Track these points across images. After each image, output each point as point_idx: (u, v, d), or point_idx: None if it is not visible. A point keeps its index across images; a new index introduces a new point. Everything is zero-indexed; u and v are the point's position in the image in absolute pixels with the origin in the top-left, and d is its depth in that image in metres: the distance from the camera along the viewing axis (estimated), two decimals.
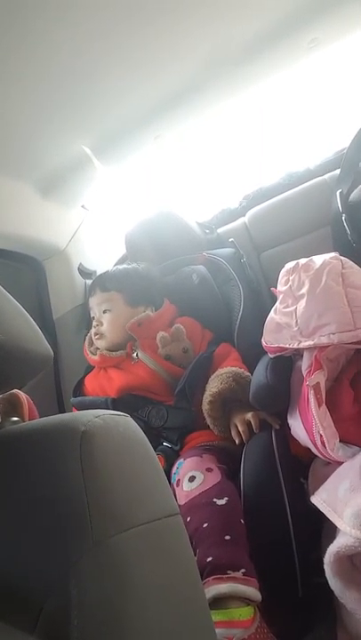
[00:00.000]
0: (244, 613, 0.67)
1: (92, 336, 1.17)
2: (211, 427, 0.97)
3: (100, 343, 1.15)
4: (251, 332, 1.01)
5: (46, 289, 1.42)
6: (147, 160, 1.36)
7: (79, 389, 1.18)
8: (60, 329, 1.42)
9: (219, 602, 0.67)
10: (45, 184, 1.22)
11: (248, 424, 0.91)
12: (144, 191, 1.63)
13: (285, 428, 0.85)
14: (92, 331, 1.17)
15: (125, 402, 1.05)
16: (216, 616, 0.65)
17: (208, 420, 0.97)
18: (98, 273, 1.48)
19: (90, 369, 1.21)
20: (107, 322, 1.15)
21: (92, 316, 1.20)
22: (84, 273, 1.45)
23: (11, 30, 0.78)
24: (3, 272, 1.32)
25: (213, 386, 0.97)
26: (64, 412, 1.38)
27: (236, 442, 0.91)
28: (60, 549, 0.40)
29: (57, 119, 1.02)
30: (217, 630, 0.63)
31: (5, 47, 0.80)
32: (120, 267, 1.24)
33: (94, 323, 1.17)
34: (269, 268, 1.26)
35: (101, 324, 1.15)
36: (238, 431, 0.91)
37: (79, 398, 1.14)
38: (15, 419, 0.59)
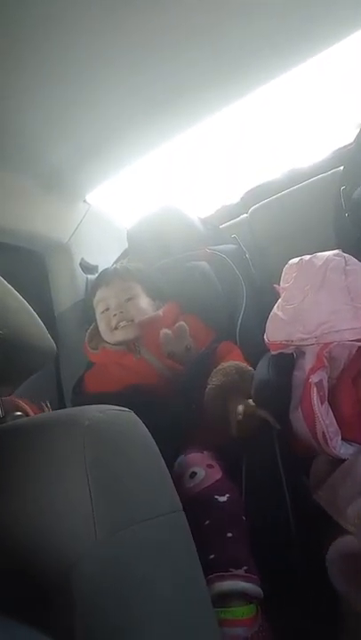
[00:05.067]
0: (247, 612, 0.67)
1: (112, 326, 1.12)
2: (211, 419, 0.95)
3: (123, 332, 1.11)
4: (253, 329, 1.00)
5: (48, 283, 1.42)
6: (149, 157, 1.35)
7: (79, 387, 1.17)
8: (62, 324, 1.41)
9: (221, 599, 0.67)
10: (48, 178, 1.21)
11: (244, 414, 0.88)
12: (147, 186, 1.62)
13: (287, 426, 0.85)
14: (114, 320, 1.11)
15: (126, 399, 1.04)
16: (219, 615, 0.65)
17: (209, 412, 0.95)
18: (100, 268, 1.48)
19: (90, 366, 1.20)
20: (134, 309, 1.11)
21: (104, 308, 1.15)
22: (86, 268, 1.45)
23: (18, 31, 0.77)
24: (5, 266, 1.31)
25: (216, 379, 0.96)
26: (64, 407, 1.38)
27: (234, 432, 0.89)
28: (64, 544, 0.40)
29: (60, 115, 1.01)
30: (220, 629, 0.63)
31: (10, 44, 0.80)
32: (125, 263, 1.24)
33: (114, 312, 1.12)
34: (272, 265, 1.25)
35: (127, 312, 1.11)
36: (237, 422, 0.88)
37: (80, 398, 1.13)
38: (18, 413, 0.59)
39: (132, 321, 1.10)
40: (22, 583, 0.39)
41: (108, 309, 1.14)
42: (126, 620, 0.37)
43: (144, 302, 1.13)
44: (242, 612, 0.66)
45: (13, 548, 0.41)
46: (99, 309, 1.16)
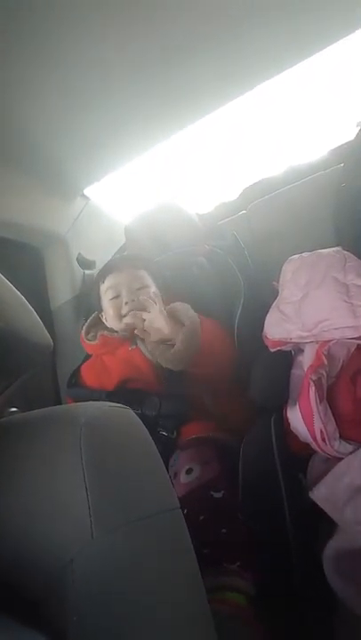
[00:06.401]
0: (239, 598, 0.67)
1: (123, 313, 1.09)
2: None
3: (132, 319, 1.07)
4: (251, 326, 1.00)
5: (44, 278, 1.41)
6: (148, 153, 1.34)
7: (75, 379, 1.15)
8: (58, 319, 1.40)
9: (213, 593, 0.66)
10: (46, 172, 1.20)
11: None
12: (145, 182, 1.61)
13: (284, 423, 0.84)
14: (125, 308, 1.08)
15: (120, 394, 1.04)
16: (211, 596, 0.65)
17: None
18: (97, 263, 1.47)
19: (87, 359, 1.20)
20: (147, 296, 1.07)
21: (114, 295, 1.11)
22: (83, 262, 1.44)
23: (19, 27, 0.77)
24: (1, 260, 1.30)
25: None
26: (61, 403, 1.37)
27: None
28: (59, 542, 0.39)
29: (59, 109, 1.00)
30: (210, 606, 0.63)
31: (10, 40, 0.79)
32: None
33: (126, 299, 1.09)
34: (271, 262, 1.24)
35: (139, 300, 1.07)
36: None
37: (75, 389, 1.12)
38: (14, 409, 0.58)
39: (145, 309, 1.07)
40: (16, 583, 0.38)
41: (118, 297, 1.11)
42: (122, 620, 0.37)
43: (154, 293, 1.11)
44: (231, 596, 0.66)
45: (6, 546, 0.40)
46: (107, 296, 1.12)
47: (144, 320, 1.02)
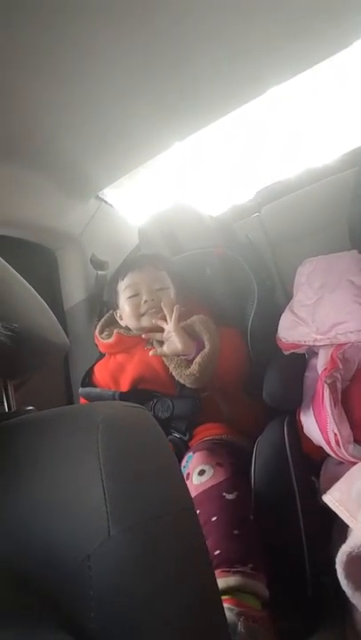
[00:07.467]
0: (252, 600, 0.66)
1: (141, 312, 1.09)
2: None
3: (150, 319, 1.07)
4: (265, 329, 1.00)
5: (58, 279, 1.42)
6: (162, 155, 1.35)
7: (88, 378, 1.16)
8: (71, 319, 1.41)
9: (226, 595, 0.66)
10: (61, 174, 1.21)
11: None
12: (159, 184, 1.62)
13: (298, 426, 0.84)
14: (144, 307, 1.08)
15: (133, 395, 1.04)
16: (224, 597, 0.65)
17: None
18: (110, 264, 1.48)
19: (99, 358, 1.20)
20: (166, 299, 1.08)
21: (133, 293, 1.11)
22: (97, 263, 1.45)
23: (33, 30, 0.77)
24: (15, 261, 1.31)
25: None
26: (73, 402, 1.38)
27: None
28: (76, 539, 0.39)
29: (74, 111, 1.01)
30: (225, 605, 0.63)
31: (26, 43, 0.79)
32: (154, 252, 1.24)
33: (145, 298, 1.08)
34: (284, 265, 1.25)
35: (158, 301, 1.07)
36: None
37: (87, 389, 1.12)
38: (30, 408, 0.59)
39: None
40: (33, 580, 0.39)
41: (137, 295, 1.10)
42: (138, 617, 0.37)
43: (173, 294, 1.11)
44: (244, 597, 0.66)
45: (25, 545, 0.41)
46: (126, 294, 1.12)
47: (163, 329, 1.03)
